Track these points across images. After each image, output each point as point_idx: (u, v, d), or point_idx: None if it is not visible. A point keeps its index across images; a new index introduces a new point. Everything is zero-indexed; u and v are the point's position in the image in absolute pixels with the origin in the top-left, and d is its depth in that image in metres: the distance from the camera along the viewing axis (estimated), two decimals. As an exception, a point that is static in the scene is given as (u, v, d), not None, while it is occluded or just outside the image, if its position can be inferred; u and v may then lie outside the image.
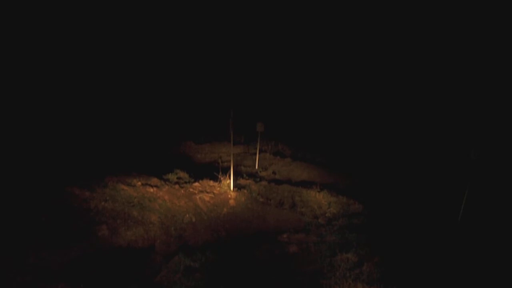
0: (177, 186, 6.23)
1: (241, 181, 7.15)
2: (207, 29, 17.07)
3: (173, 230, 5.09)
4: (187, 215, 5.47)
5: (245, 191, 6.67)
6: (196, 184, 6.54)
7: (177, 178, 6.74)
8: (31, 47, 11.73)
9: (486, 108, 12.74)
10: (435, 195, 7.20)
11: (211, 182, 6.76)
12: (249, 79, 16.32)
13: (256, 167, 8.60)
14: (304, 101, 15.21)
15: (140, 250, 4.53)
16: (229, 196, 6.34)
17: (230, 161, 6.74)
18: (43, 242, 3.99)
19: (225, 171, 6.94)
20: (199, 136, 10.77)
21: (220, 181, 6.77)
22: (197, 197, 6.00)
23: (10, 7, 11.29)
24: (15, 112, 8.85)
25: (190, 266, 4.16)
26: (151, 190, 5.74)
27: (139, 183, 5.90)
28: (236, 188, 6.69)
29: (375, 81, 16.00)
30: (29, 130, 8.09)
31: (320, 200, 6.66)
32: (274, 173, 8.49)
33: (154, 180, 6.19)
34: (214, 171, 7.03)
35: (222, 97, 13.90)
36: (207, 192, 6.29)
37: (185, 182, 6.59)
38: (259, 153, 8.79)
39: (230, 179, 6.67)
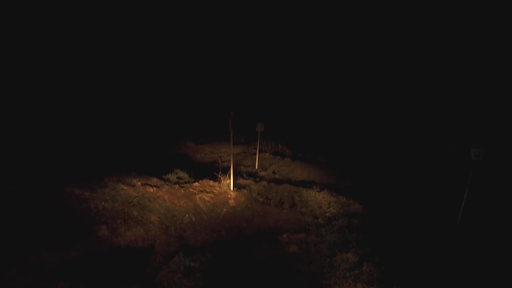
0: (177, 186, 6.22)
1: (241, 181, 7.15)
2: (207, 29, 17.06)
3: (173, 230, 5.09)
4: (187, 215, 5.47)
5: (245, 191, 6.66)
6: (196, 184, 6.54)
7: (177, 178, 6.73)
8: (33, 48, 11.73)
9: (487, 108, 12.74)
10: (435, 195, 7.19)
11: (211, 182, 6.75)
12: (249, 79, 16.33)
13: (256, 167, 8.60)
14: (304, 101, 15.22)
15: (140, 250, 4.53)
16: (229, 196, 6.34)
17: (230, 161, 6.74)
18: (43, 242, 3.99)
19: (225, 171, 6.94)
20: (199, 136, 10.79)
21: (220, 181, 6.77)
22: (197, 197, 6.00)
23: (11, 7, 11.29)
24: (16, 112, 8.86)
25: (190, 266, 4.15)
26: (151, 190, 5.74)
27: (139, 183, 5.90)
28: (236, 188, 6.69)
29: (375, 81, 16.00)
30: (30, 130, 8.10)
31: (320, 200, 6.65)
32: (274, 173, 8.49)
33: (154, 180, 6.18)
34: (214, 171, 7.03)
35: (222, 97, 13.92)
36: (207, 192, 6.29)
37: (185, 182, 6.59)
38: (259, 153, 8.79)
39: (230, 179, 6.67)
